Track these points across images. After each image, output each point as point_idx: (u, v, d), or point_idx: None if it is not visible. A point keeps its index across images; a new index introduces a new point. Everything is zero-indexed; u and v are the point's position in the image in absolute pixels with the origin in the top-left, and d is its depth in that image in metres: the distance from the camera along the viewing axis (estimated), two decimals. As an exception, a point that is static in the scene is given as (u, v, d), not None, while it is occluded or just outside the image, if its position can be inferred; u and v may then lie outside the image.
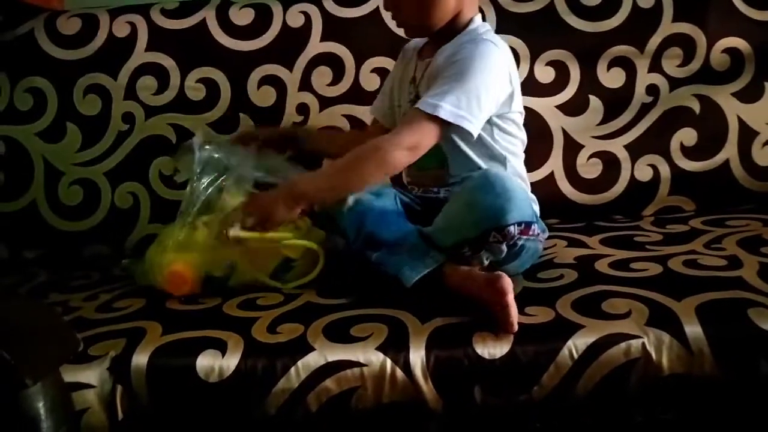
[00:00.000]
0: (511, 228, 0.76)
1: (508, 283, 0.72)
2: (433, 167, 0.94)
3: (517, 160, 0.95)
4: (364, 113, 1.15)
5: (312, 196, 0.84)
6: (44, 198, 1.17)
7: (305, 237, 0.87)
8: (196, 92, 1.18)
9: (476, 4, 0.95)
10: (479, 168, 0.91)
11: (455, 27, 0.92)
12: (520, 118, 0.96)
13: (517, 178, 0.89)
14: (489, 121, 0.89)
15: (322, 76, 1.16)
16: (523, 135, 0.97)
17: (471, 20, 0.93)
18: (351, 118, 1.16)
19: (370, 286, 0.83)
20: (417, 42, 1.01)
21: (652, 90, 1.16)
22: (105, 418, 0.67)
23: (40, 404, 0.49)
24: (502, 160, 0.93)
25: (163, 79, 1.18)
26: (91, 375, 0.68)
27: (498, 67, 0.88)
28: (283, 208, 0.83)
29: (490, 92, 0.86)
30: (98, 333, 0.74)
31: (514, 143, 0.95)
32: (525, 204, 0.79)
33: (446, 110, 0.82)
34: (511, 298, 0.71)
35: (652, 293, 0.75)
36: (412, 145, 0.83)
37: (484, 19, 1.03)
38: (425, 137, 0.84)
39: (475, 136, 0.86)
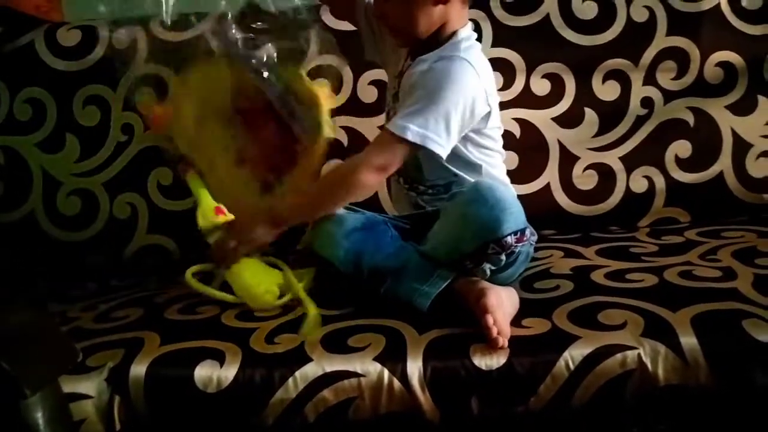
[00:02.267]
0: (509, 238, 0.77)
1: (491, 303, 0.72)
2: (411, 168, 0.94)
3: (492, 168, 0.95)
4: (360, 124, 1.16)
5: (288, 218, 0.88)
6: (43, 208, 1.17)
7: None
8: (194, 103, 1.19)
9: (465, 16, 0.94)
10: (454, 174, 0.91)
11: (439, 38, 0.91)
12: (498, 133, 0.96)
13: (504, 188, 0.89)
14: (463, 136, 0.89)
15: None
16: (499, 148, 0.97)
17: (455, 33, 0.91)
18: (350, 130, 1.17)
19: (366, 296, 0.83)
20: None
21: (647, 102, 1.17)
22: (102, 429, 0.67)
23: (39, 414, 0.49)
24: (477, 168, 0.93)
25: (162, 90, 1.19)
26: (89, 386, 0.68)
27: (469, 88, 0.87)
28: (262, 231, 0.87)
29: (458, 113, 0.85)
30: (96, 343, 0.75)
31: (489, 155, 0.95)
32: (518, 212, 0.79)
33: (414, 132, 0.83)
34: (491, 318, 0.71)
35: (648, 304, 0.76)
36: (380, 166, 0.86)
37: (479, 32, 1.03)
38: (394, 158, 0.86)
39: (444, 157, 0.86)
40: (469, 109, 0.87)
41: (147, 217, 1.16)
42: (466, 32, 0.92)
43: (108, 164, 1.18)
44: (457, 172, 0.91)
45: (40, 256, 1.16)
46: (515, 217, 0.78)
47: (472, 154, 0.92)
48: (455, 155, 0.90)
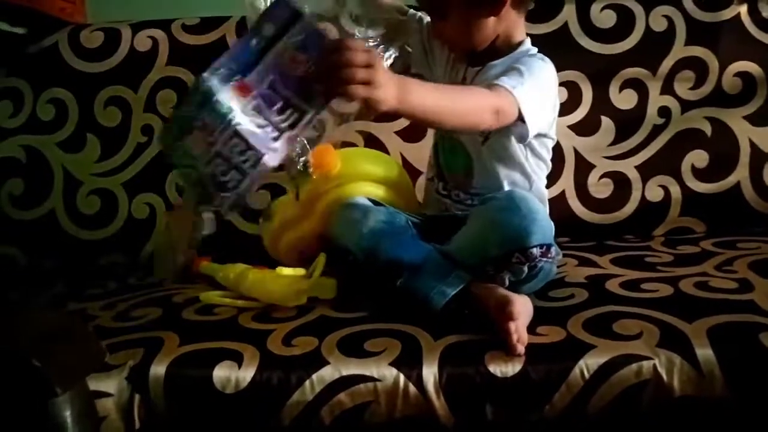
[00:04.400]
0: (534, 250, 0.77)
1: (517, 310, 0.73)
2: (460, 173, 0.95)
3: (540, 183, 0.97)
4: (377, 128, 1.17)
5: (414, 101, 0.73)
6: (63, 207, 1.19)
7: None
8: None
9: (523, 27, 0.95)
10: (500, 186, 0.92)
11: (508, 46, 0.93)
12: (551, 145, 0.97)
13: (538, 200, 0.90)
14: (526, 143, 0.89)
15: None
16: (548, 161, 0.98)
17: (522, 42, 0.94)
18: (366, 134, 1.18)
19: (383, 301, 0.84)
20: None
21: (664, 112, 1.18)
22: (122, 427, 0.68)
23: (68, 413, 0.50)
24: (528, 181, 0.94)
25: (183, 93, 1.21)
26: (110, 384, 0.69)
27: (553, 86, 0.91)
28: (386, 87, 0.69)
29: (545, 106, 0.87)
30: (116, 342, 0.76)
31: (541, 167, 0.96)
32: (548, 226, 0.80)
33: (522, 97, 0.81)
34: (514, 325, 0.71)
35: (664, 315, 0.76)
36: (501, 109, 0.80)
37: None
38: (507, 112, 0.81)
39: (528, 139, 0.85)
40: (551, 105, 0.89)
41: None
42: (529, 43, 0.95)
43: (127, 165, 1.20)
44: (504, 183, 0.92)
45: (59, 254, 1.18)
46: (544, 230, 0.79)
47: (529, 164, 0.93)
48: (513, 160, 0.92)
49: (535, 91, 0.84)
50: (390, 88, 0.69)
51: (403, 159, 1.17)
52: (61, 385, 0.49)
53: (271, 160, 0.70)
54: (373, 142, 1.18)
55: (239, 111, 0.68)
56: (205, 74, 0.69)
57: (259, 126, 0.69)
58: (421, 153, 1.11)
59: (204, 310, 0.87)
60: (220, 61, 0.70)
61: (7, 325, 0.53)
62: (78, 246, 1.18)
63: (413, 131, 1.18)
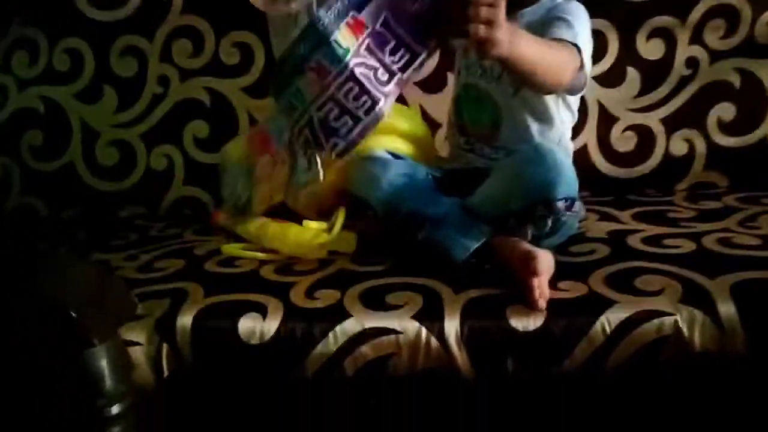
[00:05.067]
0: (559, 203, 0.77)
1: (542, 265, 0.72)
2: (486, 125, 0.93)
3: (568, 135, 0.95)
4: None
5: (522, 48, 0.71)
6: (81, 158, 1.19)
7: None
8: (230, 57, 1.18)
9: None
10: (529, 139, 0.90)
11: None
12: (580, 95, 0.95)
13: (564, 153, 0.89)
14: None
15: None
16: (576, 112, 0.96)
17: None
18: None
19: (403, 254, 0.84)
20: None
21: (692, 63, 1.14)
22: (152, 375, 0.70)
23: (104, 362, 0.52)
24: (558, 133, 0.92)
25: (198, 42, 1.19)
26: (139, 334, 0.70)
27: (589, 27, 0.88)
28: (504, 28, 0.66)
29: (590, 45, 0.85)
30: (143, 293, 0.77)
31: (569, 120, 0.94)
32: (573, 180, 0.79)
33: (584, 49, 0.81)
34: (538, 280, 0.71)
35: (686, 271, 0.75)
36: (577, 65, 0.81)
37: None
38: (577, 65, 0.81)
39: (583, 90, 0.85)
40: (590, 47, 0.86)
41: (183, 169, 1.18)
42: None
43: (145, 116, 1.19)
44: (535, 136, 0.90)
45: (79, 205, 1.19)
46: (569, 184, 0.78)
47: (559, 116, 0.91)
48: (545, 113, 0.90)
49: (587, 40, 0.83)
50: (506, 31, 0.66)
51: (423, 111, 1.15)
52: (97, 336, 0.50)
53: (386, 105, 0.67)
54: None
55: (353, 52, 0.65)
56: (320, 12, 0.65)
57: (372, 68, 0.66)
58: (442, 104, 1.09)
59: (226, 262, 0.88)
60: None
61: (44, 277, 0.54)
62: (98, 197, 1.18)
63: (433, 82, 1.16)
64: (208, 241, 0.97)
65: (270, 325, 0.71)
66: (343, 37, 0.65)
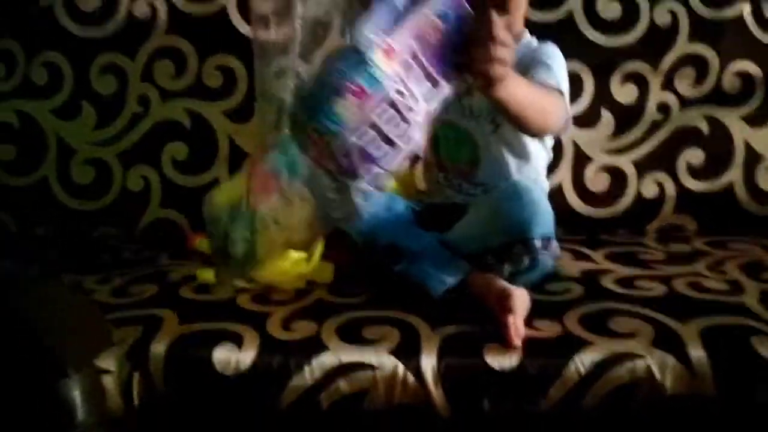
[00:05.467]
0: (536, 241, 0.78)
1: (518, 303, 0.74)
2: (465, 162, 0.94)
3: (543, 176, 0.98)
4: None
5: (514, 89, 0.71)
6: (56, 175, 1.17)
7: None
8: (213, 79, 1.18)
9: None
10: (507, 176, 0.92)
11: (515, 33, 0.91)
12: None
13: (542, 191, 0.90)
14: None
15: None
16: (551, 151, 0.99)
17: (523, 32, 0.94)
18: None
19: (381, 286, 0.84)
20: None
21: (663, 108, 1.18)
22: (122, 403, 0.69)
23: (77, 392, 0.50)
24: (534, 171, 0.94)
25: (181, 63, 1.19)
26: (110, 361, 0.69)
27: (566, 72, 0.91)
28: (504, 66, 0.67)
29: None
30: (115, 318, 0.75)
31: (545, 158, 0.97)
32: (549, 218, 0.81)
33: (565, 91, 0.85)
34: (513, 318, 0.72)
35: (657, 314, 0.77)
36: (565, 109, 0.85)
37: None
38: (565, 108, 0.85)
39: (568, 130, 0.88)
40: (568, 90, 0.89)
41: (160, 191, 1.17)
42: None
43: (123, 135, 1.18)
44: (514, 173, 0.92)
45: (51, 223, 1.16)
46: (547, 223, 0.80)
47: (539, 155, 0.94)
48: (524, 150, 0.92)
49: (567, 85, 0.86)
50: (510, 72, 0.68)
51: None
52: (72, 366, 0.49)
53: (421, 135, 0.65)
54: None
55: (391, 77, 0.63)
56: (360, 31, 0.63)
57: (406, 96, 0.64)
58: (421, 138, 1.11)
59: (201, 288, 0.86)
60: (367, 18, 0.64)
61: (17, 302, 0.52)
62: (71, 215, 1.16)
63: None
64: (184, 265, 0.96)
65: (246, 356, 0.71)
66: (380, 61, 0.63)
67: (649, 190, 1.17)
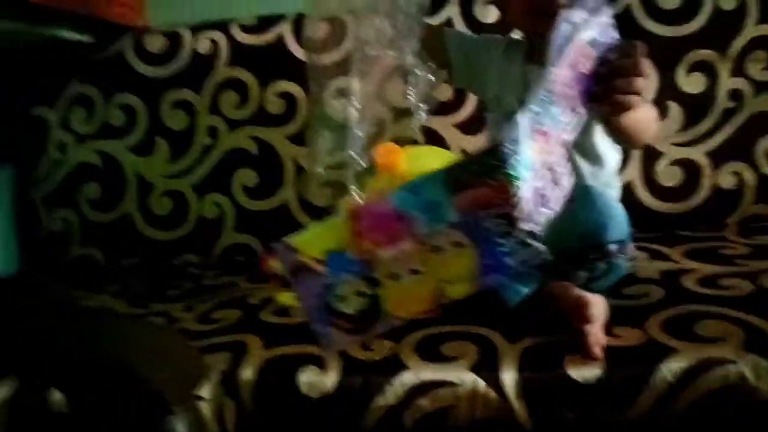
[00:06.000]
0: (611, 246, 0.77)
1: (595, 311, 0.72)
2: None
3: (617, 178, 0.95)
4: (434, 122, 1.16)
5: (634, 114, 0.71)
6: (137, 208, 1.24)
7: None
8: (274, 106, 1.22)
9: None
10: (582, 181, 0.87)
11: None
12: None
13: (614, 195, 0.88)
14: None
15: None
16: (621, 151, 0.95)
17: None
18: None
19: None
20: (513, 41, 0.94)
21: (735, 95, 1.13)
22: (218, 430, 0.72)
23: (182, 427, 0.53)
24: (608, 175, 0.92)
25: (244, 93, 1.23)
26: (204, 389, 0.72)
27: None
28: None
29: None
30: (204, 345, 0.79)
31: (616, 160, 0.94)
32: (624, 222, 0.79)
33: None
34: (591, 328, 0.71)
35: (746, 315, 0.74)
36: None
37: None
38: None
39: None
40: None
41: (233, 217, 1.22)
42: None
43: (196, 166, 1.24)
44: (588, 178, 0.89)
45: (135, 254, 1.23)
46: (621, 227, 0.78)
47: (608, 153, 0.91)
48: (595, 154, 0.89)
49: None
50: None
51: (464, 153, 1.17)
52: (175, 402, 0.52)
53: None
54: (431, 136, 1.18)
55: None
56: (548, 72, 0.60)
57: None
58: (482, 144, 1.11)
59: (281, 311, 0.89)
60: (553, 56, 0.61)
61: (120, 344, 0.56)
62: (153, 246, 1.23)
63: (471, 123, 1.18)
64: (262, 288, 1.00)
65: (329, 378, 0.73)
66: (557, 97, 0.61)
67: (727, 181, 1.13)
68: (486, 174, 0.59)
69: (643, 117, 0.77)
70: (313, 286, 0.63)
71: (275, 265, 1.03)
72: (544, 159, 0.60)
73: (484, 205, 0.60)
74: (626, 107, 0.67)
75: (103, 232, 1.25)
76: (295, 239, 0.64)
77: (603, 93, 0.66)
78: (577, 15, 0.64)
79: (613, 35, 0.67)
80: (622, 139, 0.80)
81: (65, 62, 1.28)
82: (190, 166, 1.24)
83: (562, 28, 0.63)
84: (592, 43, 0.65)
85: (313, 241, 0.65)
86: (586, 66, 0.65)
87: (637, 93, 0.66)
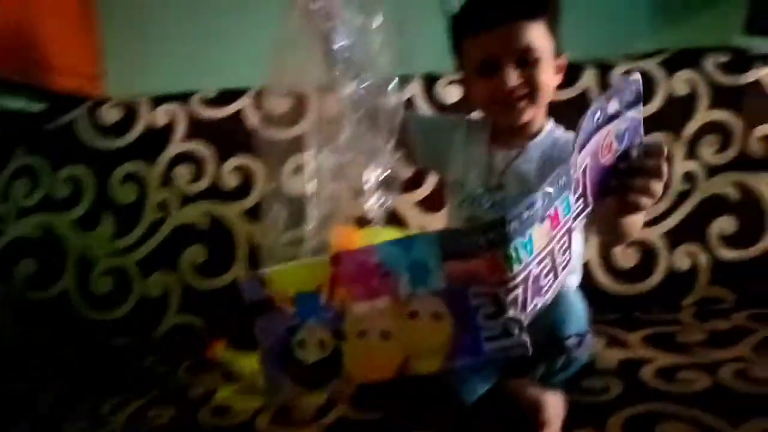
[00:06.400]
0: (569, 341, 0.75)
1: (552, 413, 0.70)
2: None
3: (580, 267, 0.94)
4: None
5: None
6: (75, 287, 1.17)
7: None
8: (231, 180, 1.19)
9: None
10: None
11: (540, 123, 0.89)
12: None
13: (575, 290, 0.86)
14: None
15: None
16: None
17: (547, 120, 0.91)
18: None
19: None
20: (475, 122, 0.95)
21: (689, 177, 1.15)
22: None
23: None
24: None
25: (200, 166, 1.20)
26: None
27: None
28: None
29: None
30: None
31: (582, 245, 0.93)
32: (582, 315, 0.78)
33: None
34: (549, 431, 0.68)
35: (706, 415, 0.72)
36: None
37: None
38: None
39: None
40: None
41: (179, 296, 1.16)
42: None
43: (142, 242, 1.18)
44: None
45: (72, 338, 1.15)
46: (579, 320, 0.77)
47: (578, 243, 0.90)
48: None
49: None
50: None
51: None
52: None
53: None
54: (390, 214, 1.15)
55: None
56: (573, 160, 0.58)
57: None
58: (443, 225, 1.09)
59: (219, 411, 0.83)
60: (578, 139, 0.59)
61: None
62: (90, 326, 1.15)
63: (431, 201, 1.17)
64: (203, 377, 0.94)
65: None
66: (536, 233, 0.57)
67: (682, 263, 1.12)
68: (484, 248, 0.55)
69: (641, 218, 0.76)
70: (276, 326, 0.59)
71: (221, 351, 0.98)
72: (547, 245, 0.58)
73: (475, 281, 0.56)
74: (638, 207, 0.66)
75: (38, 311, 1.17)
76: (271, 271, 0.59)
77: (619, 188, 0.65)
78: (612, 106, 0.62)
79: (640, 132, 0.66)
80: (614, 234, 0.77)
81: (11, 132, 1.23)
82: (137, 242, 1.18)
83: (595, 116, 0.61)
84: (619, 136, 0.64)
85: (289, 277, 0.59)
86: (607, 158, 0.63)
87: (652, 195, 0.65)
